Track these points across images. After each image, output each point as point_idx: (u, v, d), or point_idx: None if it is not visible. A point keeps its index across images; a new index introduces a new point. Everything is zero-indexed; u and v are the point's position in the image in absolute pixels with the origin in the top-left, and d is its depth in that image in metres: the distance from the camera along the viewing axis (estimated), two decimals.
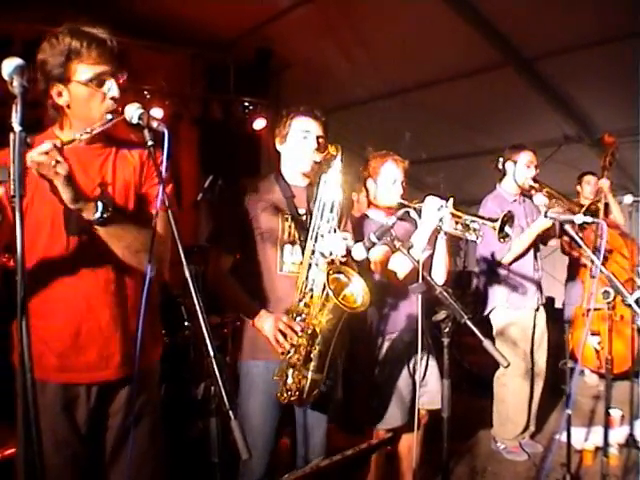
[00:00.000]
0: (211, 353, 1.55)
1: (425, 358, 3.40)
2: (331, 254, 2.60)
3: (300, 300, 2.62)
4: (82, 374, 2.09)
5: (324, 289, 2.53)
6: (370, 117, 7.14)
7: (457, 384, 5.70)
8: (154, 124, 1.84)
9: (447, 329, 2.26)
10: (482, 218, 2.91)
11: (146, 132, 1.83)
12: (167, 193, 2.09)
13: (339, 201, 2.67)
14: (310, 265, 2.64)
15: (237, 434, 1.48)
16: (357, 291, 2.59)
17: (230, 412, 1.49)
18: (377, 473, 3.41)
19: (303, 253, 2.70)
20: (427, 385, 3.39)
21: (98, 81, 2.01)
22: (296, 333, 2.56)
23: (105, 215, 1.90)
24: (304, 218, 2.80)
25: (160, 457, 2.30)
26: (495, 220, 2.83)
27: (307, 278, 2.63)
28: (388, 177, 3.36)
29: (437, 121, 7.10)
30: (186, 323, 4.31)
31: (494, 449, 4.51)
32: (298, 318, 2.60)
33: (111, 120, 1.98)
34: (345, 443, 3.30)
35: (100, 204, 1.89)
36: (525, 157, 4.37)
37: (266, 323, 2.62)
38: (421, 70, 6.47)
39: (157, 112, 6.56)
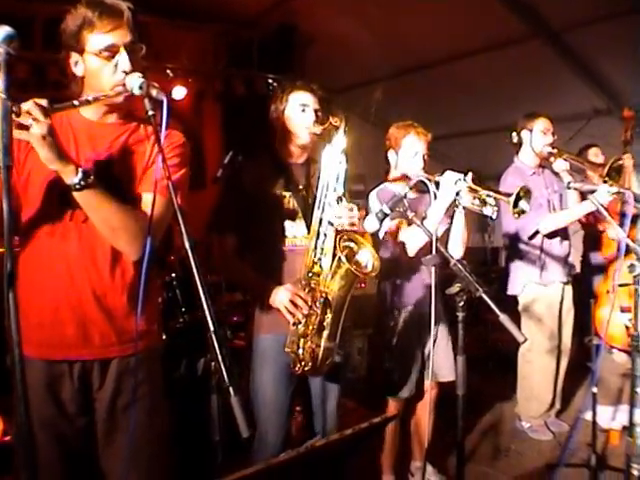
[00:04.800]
0: (211, 327, 1.50)
1: (435, 331, 3.35)
2: (339, 223, 2.60)
3: (309, 270, 2.63)
4: (60, 350, 2.05)
5: (334, 257, 2.57)
6: (395, 92, 7.03)
7: (483, 361, 5.66)
8: (153, 92, 1.79)
9: (462, 303, 2.21)
10: (498, 193, 2.85)
11: (146, 101, 1.77)
12: (176, 178, 2.06)
13: (344, 170, 2.67)
14: (318, 234, 2.65)
15: (237, 411, 1.42)
16: (367, 257, 2.64)
17: (230, 388, 1.43)
18: (392, 444, 3.45)
19: (307, 226, 2.72)
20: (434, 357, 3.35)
21: (109, 52, 1.96)
22: (306, 302, 2.57)
23: (83, 182, 1.83)
24: (303, 192, 2.81)
25: (160, 440, 2.24)
26: (510, 195, 2.76)
27: (316, 247, 2.64)
28: (409, 149, 3.34)
29: (464, 95, 6.96)
30: None
31: (519, 428, 4.46)
32: (307, 288, 2.61)
33: (118, 93, 1.94)
34: (366, 419, 3.31)
35: (81, 170, 1.83)
36: (541, 124, 4.28)
37: (277, 295, 2.62)
38: (447, 44, 6.32)
39: (181, 90, 6.58)
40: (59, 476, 2.08)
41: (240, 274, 2.83)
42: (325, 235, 2.63)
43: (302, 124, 2.81)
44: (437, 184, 2.93)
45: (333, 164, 2.66)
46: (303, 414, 2.95)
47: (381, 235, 3.12)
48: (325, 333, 2.58)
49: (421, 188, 3.00)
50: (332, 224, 2.61)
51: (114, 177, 2.04)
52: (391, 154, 3.43)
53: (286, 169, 2.85)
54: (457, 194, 2.87)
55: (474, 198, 2.87)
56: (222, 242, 2.77)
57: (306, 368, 2.59)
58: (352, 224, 2.61)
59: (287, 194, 2.78)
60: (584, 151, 5.72)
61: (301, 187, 2.83)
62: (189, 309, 4.37)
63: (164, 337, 4.00)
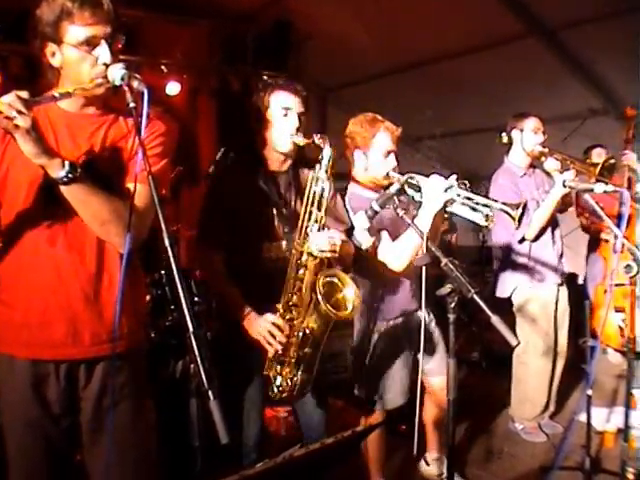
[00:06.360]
0: (190, 328, 1.44)
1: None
2: (320, 252, 2.46)
3: (288, 300, 2.53)
4: (48, 350, 2.00)
5: (313, 291, 2.44)
6: (391, 90, 6.98)
7: (476, 362, 5.61)
8: (135, 84, 1.73)
9: (453, 304, 2.12)
10: (495, 201, 2.66)
11: (128, 94, 1.73)
12: (157, 170, 2.00)
13: (327, 197, 2.53)
14: (298, 264, 2.52)
15: (216, 416, 1.36)
16: (349, 295, 2.50)
17: (209, 392, 1.38)
18: (379, 448, 3.32)
19: (288, 244, 2.61)
20: (438, 353, 3.30)
21: (89, 44, 1.90)
22: (284, 332, 2.48)
23: (70, 175, 1.79)
24: (285, 208, 2.68)
25: (145, 442, 2.20)
26: (514, 206, 2.62)
27: (295, 279, 2.52)
28: (381, 149, 3.03)
29: (459, 94, 6.89)
30: (196, 299, 4.23)
31: (512, 429, 4.40)
32: (285, 319, 2.53)
33: (99, 85, 1.89)
34: (355, 420, 3.25)
35: (67, 163, 1.79)
36: (531, 123, 4.22)
37: (255, 326, 2.53)
38: (442, 42, 6.27)
39: (175, 86, 6.55)
40: (44, 476, 2.05)
41: (227, 295, 2.67)
42: (305, 267, 2.50)
43: (283, 131, 2.61)
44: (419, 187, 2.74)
45: (317, 190, 2.51)
46: (294, 415, 2.88)
47: (364, 247, 2.87)
48: (302, 366, 2.51)
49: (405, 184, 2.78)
50: (313, 255, 2.47)
51: (97, 169, 1.98)
52: (358, 155, 3.09)
53: (270, 180, 2.68)
54: (447, 202, 2.66)
55: (463, 205, 2.66)
56: (211, 259, 2.68)
57: (283, 395, 2.54)
58: (333, 250, 2.46)
59: (269, 209, 2.65)
60: (589, 152, 5.70)
61: (285, 201, 2.69)
62: (176, 308, 4.30)
63: (153, 335, 3.93)
